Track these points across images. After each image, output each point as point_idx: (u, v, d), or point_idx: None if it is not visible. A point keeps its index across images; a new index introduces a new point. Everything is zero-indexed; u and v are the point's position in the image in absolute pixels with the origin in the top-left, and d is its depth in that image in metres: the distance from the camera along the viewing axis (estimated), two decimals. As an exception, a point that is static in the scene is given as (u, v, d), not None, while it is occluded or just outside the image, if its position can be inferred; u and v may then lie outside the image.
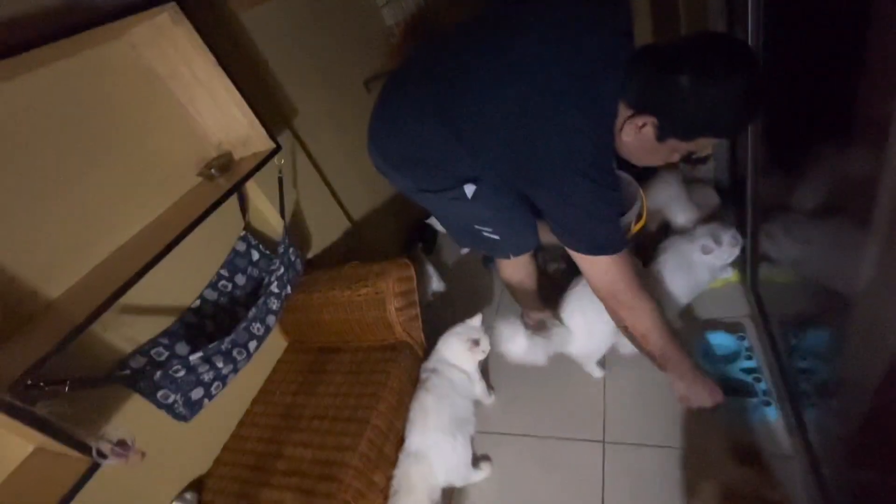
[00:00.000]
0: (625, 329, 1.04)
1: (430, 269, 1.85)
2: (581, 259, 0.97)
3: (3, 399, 0.76)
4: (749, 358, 1.23)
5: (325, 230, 1.80)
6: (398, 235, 2.16)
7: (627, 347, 1.30)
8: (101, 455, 0.87)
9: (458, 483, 1.26)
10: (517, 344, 1.22)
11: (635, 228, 1.38)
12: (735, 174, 1.50)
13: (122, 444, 0.90)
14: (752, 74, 0.79)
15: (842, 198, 0.77)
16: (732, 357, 1.25)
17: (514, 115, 0.87)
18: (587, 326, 1.26)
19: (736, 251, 1.30)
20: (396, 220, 2.16)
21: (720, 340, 1.30)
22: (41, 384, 0.83)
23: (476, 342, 1.31)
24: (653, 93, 0.83)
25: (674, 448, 1.15)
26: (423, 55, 1.06)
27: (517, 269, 1.39)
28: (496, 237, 1.18)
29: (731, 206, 1.54)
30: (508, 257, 1.33)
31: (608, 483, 1.15)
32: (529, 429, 1.35)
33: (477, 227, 1.17)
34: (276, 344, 1.60)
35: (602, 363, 1.38)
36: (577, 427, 1.29)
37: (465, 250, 2.09)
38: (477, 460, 1.30)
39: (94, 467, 0.88)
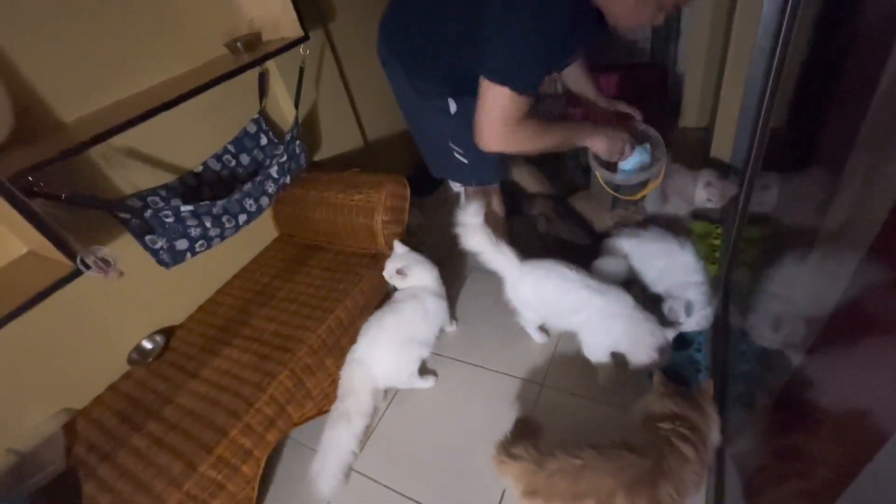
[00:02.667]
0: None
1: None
2: (487, 89, 0.94)
3: (4, 185, 0.83)
4: (698, 351, 1.27)
5: (337, 139, 1.83)
6: (406, 167, 2.19)
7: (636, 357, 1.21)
8: (84, 265, 0.95)
9: (400, 386, 1.35)
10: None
11: (651, 186, 1.35)
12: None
13: (104, 261, 0.97)
14: None
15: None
16: (685, 345, 1.29)
17: None
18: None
19: (699, 325, 1.26)
20: (409, 153, 2.17)
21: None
22: (40, 184, 0.91)
23: (400, 271, 1.35)
24: None
25: (600, 403, 1.22)
26: None
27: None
28: (465, 161, 1.23)
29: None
30: (472, 184, 1.38)
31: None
32: (481, 360, 1.42)
33: (451, 144, 1.22)
34: (267, 232, 1.67)
35: (545, 331, 1.42)
36: (523, 368, 1.36)
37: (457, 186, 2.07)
38: (424, 372, 1.39)
39: (75, 274, 0.96)
